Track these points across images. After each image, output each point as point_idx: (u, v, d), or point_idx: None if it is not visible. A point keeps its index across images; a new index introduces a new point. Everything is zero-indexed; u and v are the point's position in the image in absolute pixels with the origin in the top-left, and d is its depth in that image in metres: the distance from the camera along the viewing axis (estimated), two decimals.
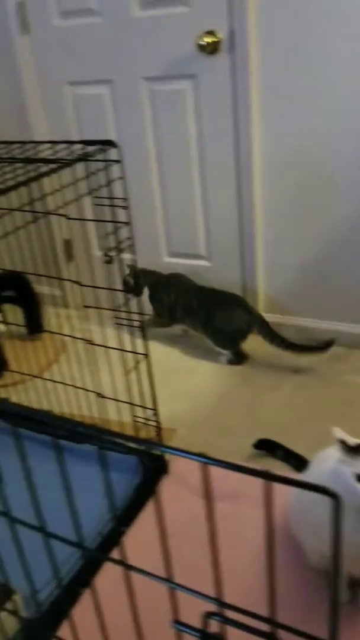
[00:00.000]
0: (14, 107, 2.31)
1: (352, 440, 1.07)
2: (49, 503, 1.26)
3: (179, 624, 0.45)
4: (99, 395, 1.62)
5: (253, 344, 2.21)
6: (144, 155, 2.19)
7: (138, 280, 2.23)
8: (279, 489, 1.15)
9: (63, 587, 1.33)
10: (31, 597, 1.30)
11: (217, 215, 2.16)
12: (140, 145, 2.17)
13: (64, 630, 1.21)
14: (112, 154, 1.23)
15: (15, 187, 0.99)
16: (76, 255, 2.50)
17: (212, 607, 0.50)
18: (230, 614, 0.47)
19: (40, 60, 2.20)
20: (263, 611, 0.81)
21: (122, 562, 0.49)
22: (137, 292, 2.20)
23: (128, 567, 0.51)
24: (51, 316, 2.55)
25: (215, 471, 1.66)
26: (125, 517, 1.52)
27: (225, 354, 2.14)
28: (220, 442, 1.76)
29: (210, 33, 1.86)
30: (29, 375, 2.02)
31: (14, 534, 0.58)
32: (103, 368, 1.82)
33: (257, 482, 1.59)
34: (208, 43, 1.84)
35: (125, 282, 2.21)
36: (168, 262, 2.36)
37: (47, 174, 1.07)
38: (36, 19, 2.13)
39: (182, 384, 2.05)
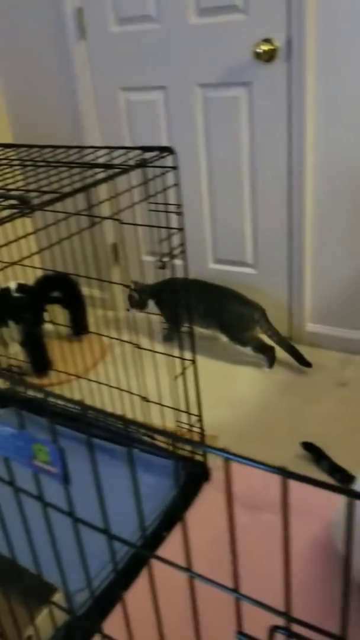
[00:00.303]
0: (69, 112, 2.35)
1: None
2: (91, 503, 1.27)
3: (243, 635, 0.44)
4: (144, 399, 1.63)
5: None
6: (194, 162, 2.20)
7: (142, 294, 2.27)
8: (322, 503, 1.14)
9: (107, 585, 1.34)
10: (74, 595, 1.31)
11: (266, 223, 2.15)
12: (191, 151, 2.18)
13: (108, 627, 1.22)
14: (168, 160, 1.24)
15: (75, 192, 1.01)
16: (124, 258, 2.52)
17: (264, 618, 0.49)
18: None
19: (95, 65, 2.24)
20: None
21: (188, 569, 0.49)
22: (142, 306, 2.27)
23: (192, 574, 0.51)
24: (98, 318, 2.58)
25: (258, 481, 1.66)
26: (166, 522, 1.52)
27: (255, 355, 2.15)
28: (263, 451, 1.75)
29: (267, 41, 1.85)
30: (73, 375, 2.05)
31: (76, 533, 0.59)
32: (148, 372, 1.83)
33: (302, 493, 1.57)
34: (264, 51, 1.84)
35: (130, 297, 2.28)
36: (213, 269, 2.36)
37: (106, 179, 1.08)
38: (93, 25, 2.16)
39: (224, 390, 2.05)
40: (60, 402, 1.96)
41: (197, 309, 2.16)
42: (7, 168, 1.28)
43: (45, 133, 2.46)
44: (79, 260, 2.33)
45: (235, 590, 0.46)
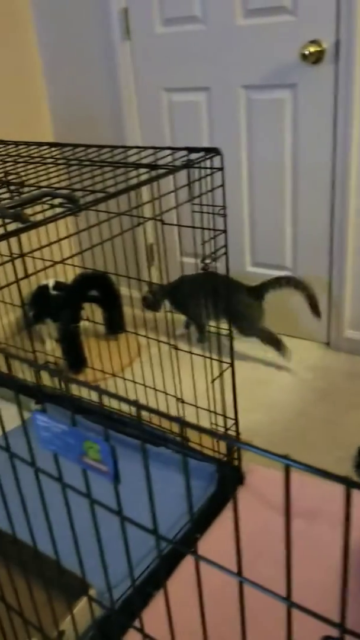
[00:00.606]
0: (111, 112, 2.37)
1: None
2: (129, 500, 1.27)
3: None
4: (180, 400, 1.63)
5: (332, 361, 2.17)
6: (235, 164, 2.18)
7: (156, 295, 2.28)
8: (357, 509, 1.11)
9: (140, 583, 1.34)
10: (107, 592, 1.31)
11: (307, 226, 2.13)
12: (233, 153, 2.17)
13: (141, 623, 1.22)
14: (214, 161, 1.24)
15: (121, 193, 1.01)
16: (162, 259, 2.53)
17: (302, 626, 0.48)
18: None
19: (139, 66, 2.25)
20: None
21: (239, 575, 0.49)
22: (157, 308, 2.29)
23: (242, 579, 0.50)
24: (135, 318, 2.58)
25: (294, 486, 1.63)
26: (199, 524, 1.51)
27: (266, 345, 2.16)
28: (298, 458, 1.72)
29: (314, 42, 1.83)
30: (108, 373, 2.06)
31: (123, 531, 0.59)
32: (184, 373, 1.82)
33: (337, 500, 1.55)
34: (311, 52, 1.82)
35: (144, 299, 2.30)
36: (251, 272, 2.35)
37: (152, 180, 1.08)
38: (138, 26, 2.17)
39: (259, 395, 2.03)
40: (96, 400, 1.97)
41: (206, 304, 2.16)
42: (52, 167, 1.29)
43: (86, 133, 2.48)
44: (119, 260, 2.34)
45: (287, 599, 0.45)
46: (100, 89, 2.36)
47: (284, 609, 1.27)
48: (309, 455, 1.73)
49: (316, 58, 1.84)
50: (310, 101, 1.93)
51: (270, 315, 2.38)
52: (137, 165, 1.19)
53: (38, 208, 0.99)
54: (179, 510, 1.53)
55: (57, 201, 0.94)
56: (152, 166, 1.16)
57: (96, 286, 2.32)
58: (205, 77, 2.12)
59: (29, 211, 0.94)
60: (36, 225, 0.86)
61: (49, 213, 0.94)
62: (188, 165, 1.15)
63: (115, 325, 2.38)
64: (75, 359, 2.20)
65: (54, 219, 0.89)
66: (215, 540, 1.47)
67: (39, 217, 0.91)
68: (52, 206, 0.92)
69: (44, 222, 0.87)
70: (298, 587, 1.33)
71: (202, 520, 1.52)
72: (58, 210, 0.90)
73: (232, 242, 2.33)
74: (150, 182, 1.08)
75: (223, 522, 1.52)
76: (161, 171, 1.13)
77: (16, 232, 0.81)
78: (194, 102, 2.18)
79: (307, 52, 1.82)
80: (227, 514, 1.54)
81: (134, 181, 1.09)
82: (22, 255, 0.92)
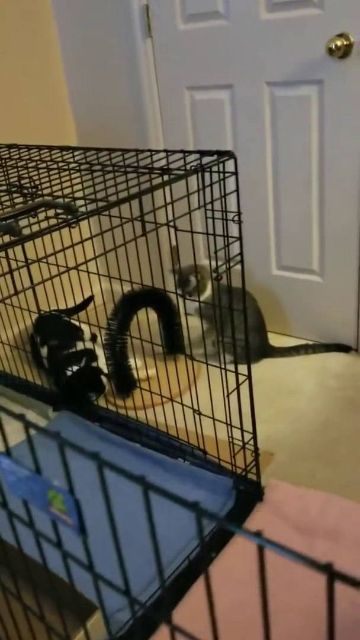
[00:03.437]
0: (133, 111, 2.31)
1: None
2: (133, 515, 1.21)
3: None
4: (197, 412, 1.57)
5: (358, 369, 2.08)
6: (260, 163, 2.11)
7: (203, 279, 2.02)
8: None
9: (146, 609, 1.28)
10: (113, 614, 1.27)
11: (334, 229, 2.03)
12: (257, 153, 2.09)
13: None
14: (229, 165, 1.17)
15: (126, 200, 0.96)
16: (178, 264, 2.46)
17: None
18: None
19: (160, 64, 2.19)
20: None
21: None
22: (197, 292, 2.02)
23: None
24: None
25: (315, 504, 1.55)
26: (215, 542, 1.45)
27: None
28: (326, 473, 1.64)
29: (341, 36, 1.74)
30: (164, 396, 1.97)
31: (96, 587, 0.53)
32: (201, 385, 1.75)
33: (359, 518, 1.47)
34: (338, 46, 1.73)
35: (187, 282, 2.01)
36: (277, 275, 2.27)
37: (163, 184, 1.02)
38: (160, 23, 2.11)
39: (281, 404, 1.95)
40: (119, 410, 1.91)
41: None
42: (63, 172, 1.25)
43: (108, 132, 2.43)
44: (143, 266, 2.26)
45: None
46: (122, 88, 2.31)
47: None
48: (336, 469, 1.65)
49: (343, 52, 1.75)
50: (338, 97, 1.84)
51: (297, 321, 2.29)
52: (148, 170, 1.14)
53: (41, 216, 0.94)
54: (190, 530, 1.47)
55: (54, 212, 0.89)
56: (162, 170, 1.10)
57: (149, 302, 2.10)
58: (228, 75, 2.04)
59: (27, 222, 0.89)
60: (29, 238, 0.81)
61: (51, 222, 0.90)
62: (197, 170, 1.09)
63: (174, 344, 2.14)
64: (123, 381, 2.03)
65: (48, 231, 0.84)
66: (231, 559, 1.40)
67: (42, 225, 0.86)
68: (47, 217, 0.87)
69: (37, 234, 0.82)
70: (315, 614, 1.26)
71: (218, 538, 1.45)
72: (46, 223, 0.85)
73: (257, 245, 2.26)
74: (158, 187, 1.02)
75: (240, 540, 1.45)
76: (171, 176, 1.07)
77: (5, 246, 0.76)
78: (217, 100, 2.11)
79: (333, 46, 1.73)
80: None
81: (145, 187, 1.04)
82: (25, 264, 0.87)
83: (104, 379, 2.01)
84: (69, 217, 0.87)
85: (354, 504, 1.51)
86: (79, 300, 2.49)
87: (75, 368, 1.99)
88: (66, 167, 1.23)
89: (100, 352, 2.03)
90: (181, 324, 2.12)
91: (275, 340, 2.27)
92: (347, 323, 2.15)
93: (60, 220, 0.85)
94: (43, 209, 0.88)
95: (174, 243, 2.46)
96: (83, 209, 0.92)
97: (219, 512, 1.50)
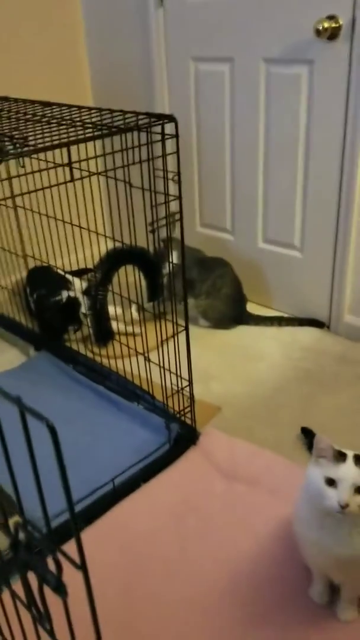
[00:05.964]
0: (145, 78, 2.42)
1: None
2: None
3: None
4: (147, 359, 1.70)
5: (328, 344, 2.16)
6: (252, 138, 2.19)
7: (167, 247, 2.10)
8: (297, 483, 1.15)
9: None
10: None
11: (315, 206, 2.11)
12: (251, 127, 2.17)
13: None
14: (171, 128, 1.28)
15: (57, 147, 1.08)
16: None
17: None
18: None
19: (170, 34, 2.28)
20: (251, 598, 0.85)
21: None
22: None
23: None
24: None
25: (244, 453, 1.67)
26: (145, 474, 1.59)
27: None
28: (264, 432, 1.75)
29: (331, 18, 1.80)
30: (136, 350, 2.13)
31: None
32: (150, 334, 1.85)
33: (281, 471, 1.58)
34: (325, 28, 1.79)
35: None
36: (262, 248, 2.36)
37: (93, 138, 1.14)
38: None
39: (245, 368, 2.06)
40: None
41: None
42: (29, 122, 1.38)
43: (121, 98, 2.55)
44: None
45: None
46: (135, 55, 2.41)
47: (201, 557, 1.34)
48: (274, 429, 1.76)
49: (331, 34, 1.81)
50: (325, 79, 1.90)
51: (277, 294, 2.39)
52: (88, 125, 1.26)
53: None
54: (132, 459, 1.62)
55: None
56: (95, 125, 1.22)
57: (131, 261, 2.14)
58: (230, 48, 2.12)
59: None
60: None
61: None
62: (135, 127, 1.20)
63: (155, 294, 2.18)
64: (101, 330, 2.14)
65: None
66: (155, 491, 1.54)
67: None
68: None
69: None
70: (222, 546, 1.39)
71: (149, 471, 1.60)
72: None
73: (246, 216, 2.35)
74: (89, 140, 1.14)
75: (166, 477, 1.59)
76: (104, 131, 1.19)
77: None
78: (218, 72, 2.20)
79: (320, 28, 1.79)
80: (173, 470, 1.61)
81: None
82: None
83: (82, 315, 2.18)
84: None
85: (278, 457, 1.62)
86: (80, 256, 2.63)
87: (57, 299, 2.19)
88: (32, 118, 1.37)
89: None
90: (163, 282, 2.25)
91: (256, 310, 2.37)
92: (322, 300, 2.23)
93: None
94: None
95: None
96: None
97: (156, 450, 1.65)
